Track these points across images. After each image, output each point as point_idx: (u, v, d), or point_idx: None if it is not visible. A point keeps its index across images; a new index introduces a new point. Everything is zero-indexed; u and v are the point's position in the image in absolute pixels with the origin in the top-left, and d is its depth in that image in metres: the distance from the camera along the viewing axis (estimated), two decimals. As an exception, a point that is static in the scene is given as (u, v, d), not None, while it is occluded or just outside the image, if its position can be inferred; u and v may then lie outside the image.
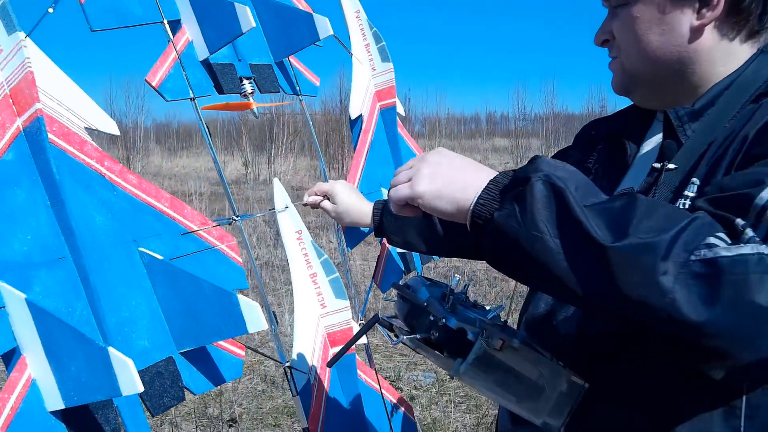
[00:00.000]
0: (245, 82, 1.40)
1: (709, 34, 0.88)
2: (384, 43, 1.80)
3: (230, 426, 3.26)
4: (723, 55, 0.89)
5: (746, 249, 0.62)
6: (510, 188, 0.74)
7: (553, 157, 1.15)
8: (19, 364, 0.83)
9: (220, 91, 1.32)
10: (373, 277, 1.72)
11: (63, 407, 0.83)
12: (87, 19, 1.11)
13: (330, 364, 1.32)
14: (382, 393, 1.59)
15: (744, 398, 0.78)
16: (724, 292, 0.61)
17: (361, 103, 1.74)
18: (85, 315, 0.93)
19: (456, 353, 0.83)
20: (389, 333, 0.96)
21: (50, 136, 0.94)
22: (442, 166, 0.81)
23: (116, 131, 1.10)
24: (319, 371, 1.39)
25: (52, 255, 0.92)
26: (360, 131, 1.74)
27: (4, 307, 0.84)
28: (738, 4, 0.86)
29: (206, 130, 1.28)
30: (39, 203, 0.93)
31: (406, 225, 1.36)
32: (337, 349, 1.43)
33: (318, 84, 1.66)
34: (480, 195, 0.76)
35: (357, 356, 1.52)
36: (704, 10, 0.86)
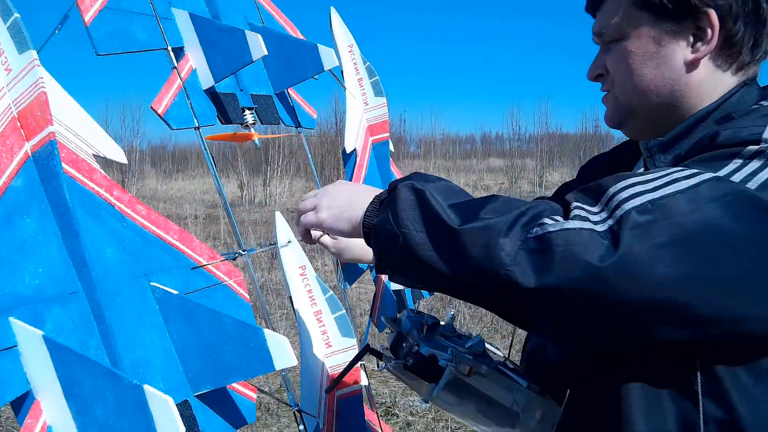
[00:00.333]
0: (247, 112, 1.36)
1: (702, 67, 0.89)
2: (377, 77, 1.79)
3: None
4: (712, 88, 0.90)
5: (569, 224, 0.72)
6: (386, 198, 0.85)
7: (558, 189, 1.16)
8: (33, 410, 0.75)
9: (226, 120, 1.27)
10: (370, 315, 1.67)
11: (81, 457, 0.75)
12: (92, 42, 1.06)
13: (328, 391, 1.34)
14: (385, 436, 1.52)
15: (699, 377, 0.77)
16: (550, 259, 0.70)
17: (355, 137, 1.71)
18: (99, 354, 0.85)
19: (430, 379, 0.90)
20: (378, 360, 1.02)
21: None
22: (339, 194, 0.94)
23: (124, 159, 1.04)
24: (326, 415, 1.31)
25: (64, 289, 0.84)
26: (354, 166, 1.71)
27: (14, 346, 0.76)
28: (731, 38, 0.87)
29: (211, 160, 1.23)
30: (50, 233, 0.85)
31: None
32: (345, 390, 1.37)
33: (315, 116, 1.63)
34: (366, 209, 0.88)
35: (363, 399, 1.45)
36: (699, 44, 0.87)
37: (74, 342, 0.83)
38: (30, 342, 0.75)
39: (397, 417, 3.60)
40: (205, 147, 1.22)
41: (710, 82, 0.89)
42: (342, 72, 1.72)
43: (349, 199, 0.92)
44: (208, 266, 1.10)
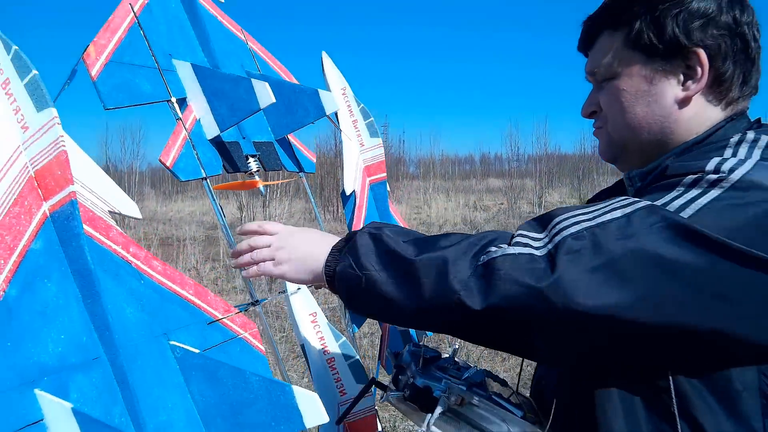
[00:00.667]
0: (250, 160, 1.34)
1: (692, 104, 0.90)
2: (372, 118, 1.80)
3: None
4: (700, 123, 0.91)
5: (510, 250, 0.78)
6: (344, 246, 0.92)
7: None
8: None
9: (233, 169, 1.26)
10: (379, 358, 1.64)
11: None
12: (100, 97, 1.04)
13: (338, 422, 1.34)
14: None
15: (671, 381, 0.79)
16: (493, 282, 0.76)
17: (353, 179, 1.71)
18: (124, 422, 0.82)
19: (426, 409, 0.95)
20: (383, 392, 1.08)
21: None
22: (295, 247, 1.00)
23: (139, 215, 1.01)
24: (344, 466, 1.28)
25: (86, 355, 0.81)
26: (354, 207, 1.70)
27: (41, 420, 0.72)
28: (720, 76, 0.89)
29: (221, 211, 1.21)
30: (70, 297, 0.82)
31: None
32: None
33: (314, 160, 1.62)
34: (327, 259, 0.94)
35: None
36: (689, 82, 0.89)
37: (99, 410, 0.79)
38: (59, 416, 0.71)
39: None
40: (213, 197, 1.20)
41: (699, 118, 0.91)
42: (336, 114, 1.72)
43: (306, 251, 0.98)
44: (224, 320, 1.07)
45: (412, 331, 1.85)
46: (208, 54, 1.36)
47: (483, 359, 4.91)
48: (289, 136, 1.53)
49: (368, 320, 1.84)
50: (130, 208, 0.98)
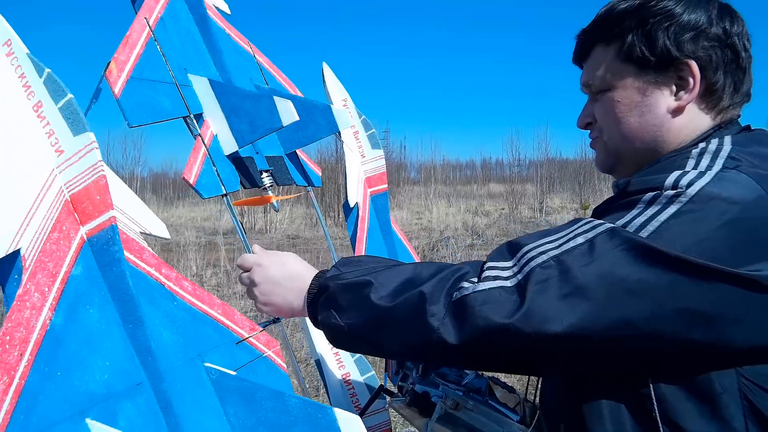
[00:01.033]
0: (264, 175, 1.34)
1: (684, 114, 0.93)
2: (374, 130, 1.80)
3: None
4: (691, 131, 0.94)
5: (481, 286, 0.81)
6: (319, 298, 0.96)
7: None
8: None
9: (251, 184, 1.25)
10: (386, 370, 1.64)
11: None
12: (124, 115, 1.03)
13: None
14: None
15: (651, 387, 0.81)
16: (468, 319, 0.80)
17: (356, 191, 1.71)
18: (169, 449, 0.81)
19: (426, 414, 1.01)
20: (388, 399, 1.16)
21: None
22: (269, 293, 1.04)
23: (167, 235, 1.00)
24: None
25: (130, 381, 0.80)
26: (357, 219, 1.70)
27: (93, 450, 0.71)
28: (712, 86, 0.91)
29: (241, 228, 1.20)
30: (111, 322, 0.81)
31: None
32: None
33: (320, 174, 1.62)
34: (307, 308, 0.98)
35: None
36: (682, 93, 0.92)
37: (145, 437, 0.78)
38: (114, 446, 0.70)
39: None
40: (234, 214, 1.19)
41: (690, 126, 0.93)
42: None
43: (281, 294, 1.03)
44: (250, 338, 1.07)
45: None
46: (220, 68, 1.35)
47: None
48: (297, 150, 1.52)
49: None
50: (158, 228, 0.97)
